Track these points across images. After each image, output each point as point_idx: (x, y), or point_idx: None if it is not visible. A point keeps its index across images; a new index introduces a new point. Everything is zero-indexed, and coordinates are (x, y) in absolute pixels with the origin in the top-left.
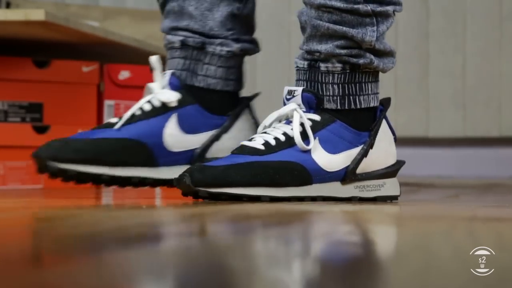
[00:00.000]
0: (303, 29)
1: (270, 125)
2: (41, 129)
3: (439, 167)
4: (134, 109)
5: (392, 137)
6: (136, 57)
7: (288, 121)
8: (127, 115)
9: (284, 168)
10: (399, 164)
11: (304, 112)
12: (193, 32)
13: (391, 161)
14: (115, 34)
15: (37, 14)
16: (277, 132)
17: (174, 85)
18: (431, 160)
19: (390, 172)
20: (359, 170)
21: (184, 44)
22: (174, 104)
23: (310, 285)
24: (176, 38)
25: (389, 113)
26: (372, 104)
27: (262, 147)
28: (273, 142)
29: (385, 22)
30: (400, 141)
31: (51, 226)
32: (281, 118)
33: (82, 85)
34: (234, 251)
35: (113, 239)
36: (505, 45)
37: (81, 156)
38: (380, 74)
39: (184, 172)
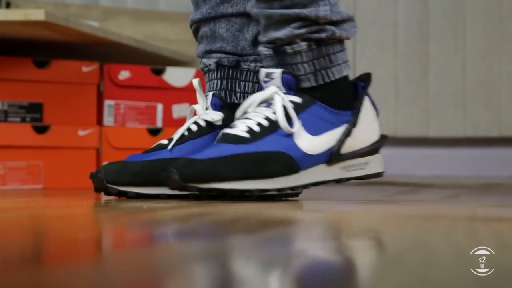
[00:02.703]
0: (257, 22)
1: (248, 109)
2: (41, 129)
3: (439, 167)
4: (182, 130)
5: (374, 112)
6: (136, 57)
7: (268, 104)
8: (176, 136)
9: (271, 159)
10: (382, 139)
11: (284, 94)
12: (226, 53)
13: (375, 137)
14: (115, 34)
15: (37, 14)
16: (259, 117)
17: (216, 105)
18: (431, 160)
19: (374, 149)
20: (344, 150)
21: (219, 65)
22: (219, 122)
23: None
24: (211, 61)
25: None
26: (345, 73)
27: (247, 135)
28: (256, 128)
29: None
30: (400, 141)
31: (51, 226)
32: (260, 101)
33: (82, 85)
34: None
35: (112, 240)
36: (505, 45)
37: (140, 179)
38: (380, 73)
39: (172, 167)
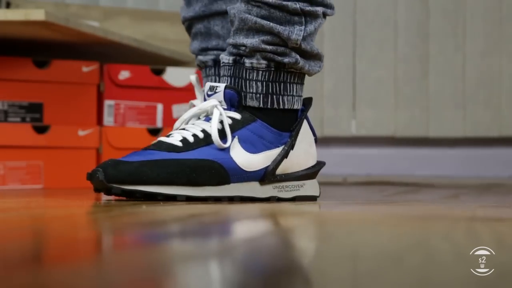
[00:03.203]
0: (231, 22)
1: (188, 121)
2: (41, 129)
3: (439, 167)
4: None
5: (312, 138)
6: (136, 57)
7: (208, 118)
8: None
9: (201, 167)
10: (319, 165)
11: (225, 109)
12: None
13: (311, 162)
14: (115, 34)
15: (37, 14)
16: (196, 129)
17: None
18: (431, 160)
19: (310, 173)
20: (279, 171)
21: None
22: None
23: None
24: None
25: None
26: (295, 106)
27: (180, 144)
28: (191, 139)
29: (313, 23)
30: (400, 141)
31: (51, 226)
32: (200, 114)
33: (82, 85)
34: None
35: (111, 240)
36: (505, 45)
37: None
38: (380, 73)
39: (98, 166)
